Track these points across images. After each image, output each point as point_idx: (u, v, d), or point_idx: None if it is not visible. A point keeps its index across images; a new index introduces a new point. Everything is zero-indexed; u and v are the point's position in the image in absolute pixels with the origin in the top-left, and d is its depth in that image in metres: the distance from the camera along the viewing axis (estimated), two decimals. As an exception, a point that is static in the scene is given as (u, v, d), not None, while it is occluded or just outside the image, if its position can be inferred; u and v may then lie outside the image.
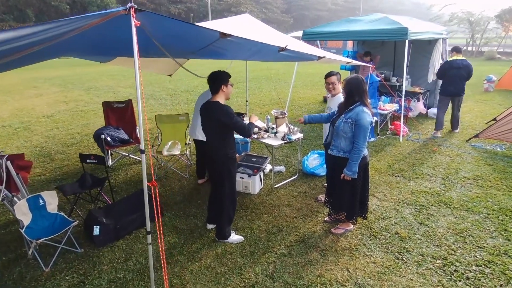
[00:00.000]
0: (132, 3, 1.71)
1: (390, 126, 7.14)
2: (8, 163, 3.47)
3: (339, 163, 3.19)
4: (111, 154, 5.68)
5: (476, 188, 4.42)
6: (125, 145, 5.51)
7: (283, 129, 4.71)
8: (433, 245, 3.28)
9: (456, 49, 6.76)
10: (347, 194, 3.27)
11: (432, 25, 8.17)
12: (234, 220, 3.58)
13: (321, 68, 17.71)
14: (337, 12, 69.21)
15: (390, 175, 4.98)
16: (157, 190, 2.33)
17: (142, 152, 2.17)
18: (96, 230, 3.45)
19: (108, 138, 5.31)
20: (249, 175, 4.48)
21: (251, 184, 4.49)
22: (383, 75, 8.78)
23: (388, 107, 6.91)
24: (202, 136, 4.32)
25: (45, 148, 6.47)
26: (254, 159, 4.92)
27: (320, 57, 3.60)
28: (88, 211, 3.74)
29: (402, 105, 6.76)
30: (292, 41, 4.15)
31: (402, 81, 8.48)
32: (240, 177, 4.52)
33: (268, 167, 5.16)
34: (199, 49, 2.99)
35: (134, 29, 1.79)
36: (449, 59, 6.75)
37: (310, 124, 4.64)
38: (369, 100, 3.17)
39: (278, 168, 5.25)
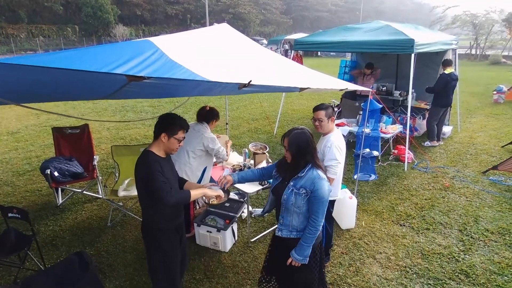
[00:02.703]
0: None
1: (392, 151, 6.23)
2: None
3: (291, 245, 2.29)
4: (62, 190, 4.78)
5: (504, 249, 3.51)
6: (77, 181, 4.61)
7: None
8: None
9: (449, 63, 6.49)
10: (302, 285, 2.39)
11: (440, 34, 7.28)
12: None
13: (319, 69, 16.65)
14: (338, 13, 68.26)
15: (394, 222, 4.08)
16: None
17: None
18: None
19: (56, 173, 4.41)
20: (218, 230, 3.57)
21: (220, 240, 3.59)
22: (385, 88, 7.90)
23: (391, 129, 6.00)
24: (186, 174, 3.42)
25: (-6, 177, 5.59)
26: (227, 204, 4.03)
27: (302, 89, 2.70)
28: (-6, 293, 2.84)
29: (408, 125, 5.87)
30: (272, 64, 3.25)
31: (406, 96, 7.63)
32: (208, 231, 3.63)
33: (246, 209, 4.26)
34: (103, 96, 2.09)
35: None
36: (446, 71, 6.43)
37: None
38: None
39: (258, 211, 4.35)
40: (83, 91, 1.90)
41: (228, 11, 49.74)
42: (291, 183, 2.20)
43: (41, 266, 3.33)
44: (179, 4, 48.26)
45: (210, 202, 2.45)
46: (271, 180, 3.67)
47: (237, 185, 3.61)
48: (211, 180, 3.79)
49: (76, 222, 4.24)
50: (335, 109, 8.16)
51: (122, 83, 1.54)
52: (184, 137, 2.34)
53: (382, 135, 5.81)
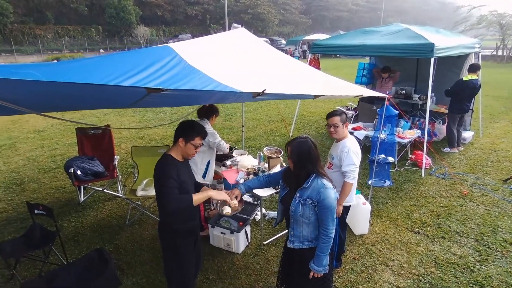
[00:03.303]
0: None
1: (410, 156, 6.14)
2: None
3: (304, 255, 2.34)
4: (84, 188, 4.99)
5: (522, 261, 3.43)
6: (99, 180, 4.80)
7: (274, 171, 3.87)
8: None
9: (474, 69, 6.27)
10: None
11: (462, 38, 7.08)
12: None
13: (337, 71, 16.30)
14: (358, 13, 67.26)
15: (409, 229, 4.04)
16: None
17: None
18: (24, 316, 2.74)
19: (79, 172, 4.61)
20: (232, 231, 3.66)
21: (234, 241, 3.67)
22: (404, 92, 7.79)
23: (408, 134, 5.92)
24: (191, 170, 3.56)
25: (21, 173, 5.88)
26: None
27: (316, 96, 2.74)
28: (21, 285, 3.02)
29: (426, 130, 5.77)
30: (286, 70, 3.30)
31: (426, 100, 7.50)
32: (222, 232, 3.72)
33: (259, 212, 4.32)
34: (124, 106, 2.20)
35: None
36: (465, 78, 6.28)
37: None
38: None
39: (272, 214, 4.41)
40: (104, 103, 2.01)
41: (247, 11, 49.93)
42: (297, 194, 2.24)
43: (63, 261, 3.51)
44: (199, 5, 48.87)
45: (224, 214, 2.49)
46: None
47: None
48: (225, 183, 3.89)
49: (97, 219, 4.42)
50: (352, 112, 8.11)
51: (142, 95, 1.64)
52: (202, 144, 2.42)
53: (399, 140, 5.75)
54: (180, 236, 2.46)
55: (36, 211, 3.45)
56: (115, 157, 4.95)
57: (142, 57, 2.07)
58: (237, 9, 50.24)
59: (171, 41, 34.77)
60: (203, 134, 2.39)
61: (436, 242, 3.78)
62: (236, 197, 2.55)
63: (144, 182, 4.34)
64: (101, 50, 36.35)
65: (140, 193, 4.25)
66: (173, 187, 2.23)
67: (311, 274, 2.28)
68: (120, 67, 1.75)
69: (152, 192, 4.28)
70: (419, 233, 3.96)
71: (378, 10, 56.50)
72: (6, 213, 4.60)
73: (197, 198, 2.32)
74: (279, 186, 2.55)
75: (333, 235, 2.22)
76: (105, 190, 4.92)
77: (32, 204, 3.47)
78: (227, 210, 2.47)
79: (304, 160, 2.20)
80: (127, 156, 6.46)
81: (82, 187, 4.87)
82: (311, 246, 2.29)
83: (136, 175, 4.64)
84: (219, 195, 2.45)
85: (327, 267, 2.27)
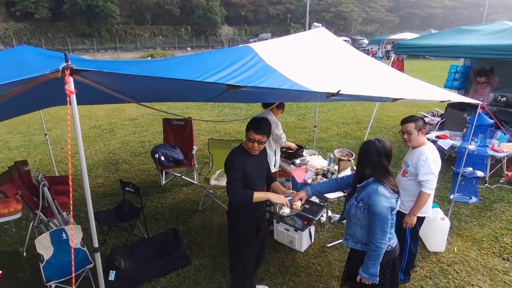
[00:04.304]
0: (69, 62, 1.16)
1: (505, 173, 5.39)
2: (45, 189, 3.44)
3: (357, 256, 2.27)
4: (166, 173, 5.53)
5: None
6: (178, 166, 5.28)
7: (346, 174, 3.78)
8: None
9: None
10: None
11: None
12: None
13: (424, 73, 14.74)
14: (455, 9, 60.30)
15: (495, 254, 3.58)
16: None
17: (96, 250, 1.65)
18: (112, 276, 3.18)
19: (162, 158, 5.13)
20: (296, 229, 3.70)
21: (297, 239, 3.71)
22: (504, 99, 6.83)
23: (505, 147, 5.19)
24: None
25: (116, 155, 6.76)
26: (307, 206, 4.09)
27: (395, 99, 2.61)
28: (111, 250, 3.51)
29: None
30: (365, 71, 3.20)
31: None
32: (286, 229, 3.79)
33: (325, 213, 4.28)
34: (206, 99, 2.38)
35: (70, 98, 1.25)
36: None
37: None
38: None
39: (337, 217, 4.32)
40: (189, 96, 2.24)
41: (329, 10, 48.83)
42: (355, 194, 2.23)
43: (145, 235, 3.97)
44: (281, 4, 49.40)
45: (281, 213, 2.52)
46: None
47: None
48: (293, 181, 3.94)
49: (174, 202, 4.87)
50: (438, 119, 7.42)
51: (222, 90, 1.80)
52: (258, 140, 2.37)
53: (493, 153, 5.08)
54: (242, 222, 2.58)
55: (126, 188, 3.96)
56: (193, 147, 5.38)
57: (225, 57, 2.26)
58: (318, 8, 49.45)
59: (251, 40, 35.95)
60: (259, 130, 2.33)
61: (529, 273, 3.29)
62: (300, 199, 2.56)
63: (217, 172, 4.63)
64: (188, 49, 39.33)
65: (213, 182, 4.56)
66: (237, 179, 2.35)
67: (358, 278, 2.23)
68: (205, 66, 1.94)
69: (223, 182, 4.55)
70: (508, 260, 3.49)
71: (481, 6, 49.87)
72: (104, 187, 5.35)
73: (257, 196, 2.38)
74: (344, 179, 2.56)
75: (383, 246, 2.10)
76: (183, 177, 5.39)
77: (124, 182, 3.99)
78: (285, 210, 2.49)
79: (365, 159, 2.18)
80: (204, 147, 6.94)
81: (164, 171, 5.40)
82: (365, 249, 2.22)
83: (210, 165, 4.97)
84: (278, 199, 2.47)
85: (377, 278, 2.16)
